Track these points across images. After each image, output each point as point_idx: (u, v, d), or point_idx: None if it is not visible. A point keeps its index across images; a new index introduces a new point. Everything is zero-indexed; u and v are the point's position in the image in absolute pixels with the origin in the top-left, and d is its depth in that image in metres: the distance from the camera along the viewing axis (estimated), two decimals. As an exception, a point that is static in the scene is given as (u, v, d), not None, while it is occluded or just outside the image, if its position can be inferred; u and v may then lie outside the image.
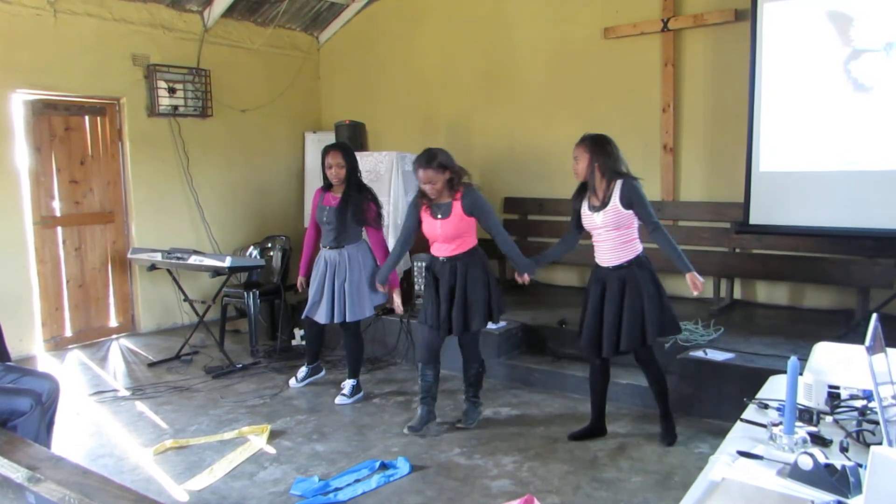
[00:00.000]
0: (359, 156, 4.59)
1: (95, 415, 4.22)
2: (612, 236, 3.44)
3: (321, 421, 4.07)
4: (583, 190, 3.55)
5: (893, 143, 4.20)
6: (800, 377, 1.91)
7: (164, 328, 6.26)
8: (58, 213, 5.65)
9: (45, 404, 2.98)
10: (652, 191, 4.66)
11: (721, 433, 2.10)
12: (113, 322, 6.08)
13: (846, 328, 4.31)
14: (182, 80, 6.24)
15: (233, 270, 4.99)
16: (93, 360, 5.39)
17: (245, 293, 5.38)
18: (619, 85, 5.75)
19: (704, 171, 5.44)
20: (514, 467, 3.40)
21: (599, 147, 3.42)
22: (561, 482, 3.22)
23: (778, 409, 2.01)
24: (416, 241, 3.99)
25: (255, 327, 5.40)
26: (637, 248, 3.48)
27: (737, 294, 5.43)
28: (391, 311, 5.24)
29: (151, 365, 5.19)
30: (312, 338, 4.69)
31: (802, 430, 1.82)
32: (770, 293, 5.39)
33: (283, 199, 7.27)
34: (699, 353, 4.05)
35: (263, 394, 4.54)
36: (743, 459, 1.74)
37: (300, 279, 4.60)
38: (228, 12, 6.44)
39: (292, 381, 4.69)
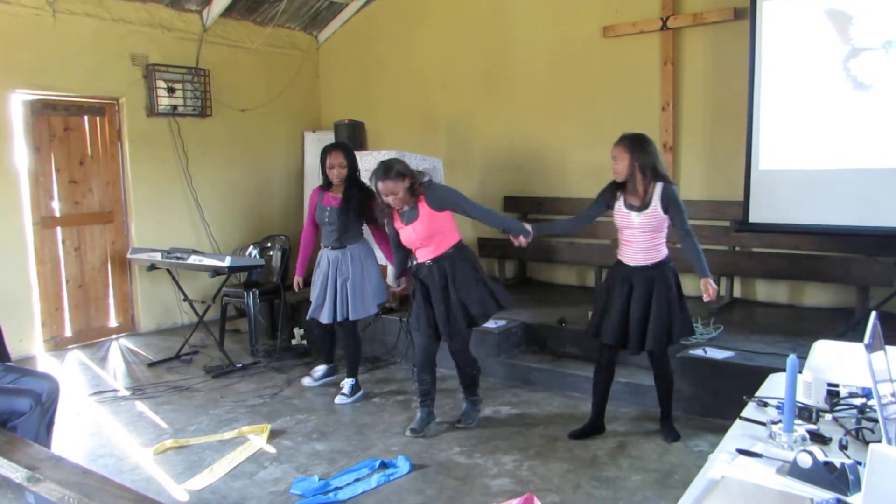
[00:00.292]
0: (358, 155, 4.59)
1: (95, 415, 4.23)
2: (645, 237, 3.44)
3: (321, 420, 4.07)
4: (617, 186, 3.52)
5: (893, 141, 4.20)
6: (799, 375, 1.91)
7: (163, 328, 6.26)
8: (57, 214, 5.65)
9: (45, 404, 2.98)
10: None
11: (721, 431, 2.10)
12: (113, 322, 6.09)
13: (846, 326, 4.31)
14: (181, 80, 6.24)
15: (232, 270, 4.99)
16: (93, 360, 5.39)
17: (245, 293, 5.38)
18: (619, 84, 5.75)
19: (704, 169, 5.44)
20: (513, 466, 3.40)
21: (640, 146, 3.40)
22: (561, 481, 3.22)
23: (777, 408, 2.01)
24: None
25: (255, 327, 5.40)
26: (665, 250, 3.50)
27: (736, 292, 5.44)
28: (391, 310, 5.27)
29: (151, 365, 5.19)
30: (324, 336, 4.69)
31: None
32: (770, 291, 5.39)
33: (283, 199, 7.27)
34: (699, 352, 4.05)
35: (263, 393, 4.54)
36: (742, 457, 1.75)
37: (297, 279, 4.58)
38: (227, 12, 6.43)
39: (307, 380, 4.67)
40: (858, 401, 1.97)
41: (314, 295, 4.42)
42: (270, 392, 4.56)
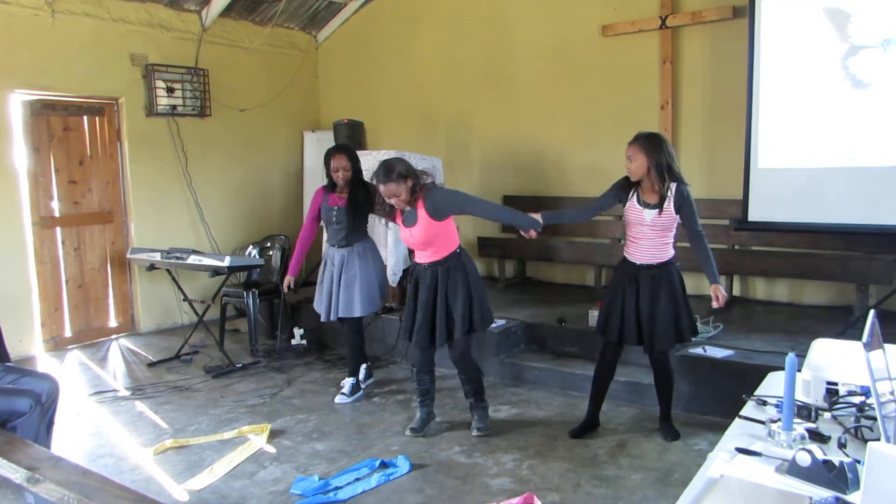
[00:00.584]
0: (358, 154, 4.60)
1: (95, 415, 4.23)
2: (656, 235, 3.44)
3: (321, 420, 4.07)
4: (630, 184, 3.50)
5: (891, 139, 4.21)
6: (798, 374, 1.92)
7: (163, 328, 6.26)
8: (57, 214, 5.65)
9: (45, 405, 2.98)
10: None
11: (720, 430, 2.10)
12: (112, 322, 6.09)
13: (845, 324, 4.31)
14: (180, 80, 6.23)
15: (232, 270, 4.99)
16: (92, 360, 5.39)
17: (244, 293, 5.38)
18: (618, 82, 5.75)
19: (703, 168, 5.44)
20: (513, 465, 3.40)
21: (655, 146, 3.38)
22: (561, 480, 3.22)
23: (776, 406, 2.01)
24: None
25: (255, 327, 5.40)
26: (672, 251, 3.50)
27: (736, 291, 5.44)
28: (391, 310, 5.28)
29: (151, 365, 5.19)
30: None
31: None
32: (769, 290, 5.40)
33: (283, 199, 7.27)
34: (698, 350, 4.05)
35: (263, 393, 4.54)
36: (741, 456, 1.75)
37: (289, 278, 4.53)
38: (226, 12, 6.43)
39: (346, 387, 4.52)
40: (857, 399, 1.98)
41: (322, 294, 4.42)
42: (270, 392, 4.57)
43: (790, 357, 1.84)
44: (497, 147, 6.50)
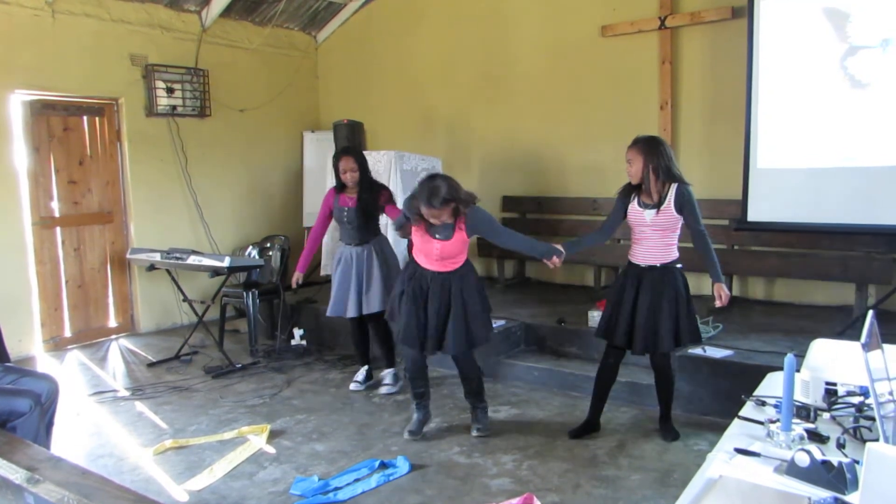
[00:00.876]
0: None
1: (95, 415, 4.23)
2: (657, 236, 3.46)
3: (321, 420, 4.07)
4: (632, 187, 3.53)
5: (891, 139, 4.21)
6: (797, 374, 1.92)
7: (163, 328, 6.26)
8: (57, 214, 5.65)
9: (45, 405, 2.98)
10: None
11: (719, 430, 2.10)
12: (112, 322, 6.09)
13: (844, 324, 4.31)
14: (180, 80, 6.24)
15: (232, 270, 4.99)
16: (92, 360, 5.40)
17: (244, 293, 5.38)
18: (617, 83, 5.75)
19: (702, 168, 5.44)
20: (513, 466, 3.40)
21: (653, 149, 3.43)
22: (560, 480, 3.23)
23: (775, 406, 2.01)
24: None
25: (255, 327, 5.40)
26: (675, 252, 3.51)
27: (735, 291, 5.43)
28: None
29: (151, 365, 5.19)
30: (357, 337, 4.68)
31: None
32: (768, 290, 5.40)
33: (282, 199, 7.27)
34: (698, 350, 4.05)
35: (263, 393, 4.54)
36: (740, 457, 1.75)
37: (298, 275, 4.55)
38: (226, 12, 6.43)
39: (353, 385, 4.59)
40: (856, 399, 1.97)
41: (335, 291, 4.47)
42: (270, 392, 4.57)
43: (789, 357, 1.84)
44: (497, 147, 6.50)
